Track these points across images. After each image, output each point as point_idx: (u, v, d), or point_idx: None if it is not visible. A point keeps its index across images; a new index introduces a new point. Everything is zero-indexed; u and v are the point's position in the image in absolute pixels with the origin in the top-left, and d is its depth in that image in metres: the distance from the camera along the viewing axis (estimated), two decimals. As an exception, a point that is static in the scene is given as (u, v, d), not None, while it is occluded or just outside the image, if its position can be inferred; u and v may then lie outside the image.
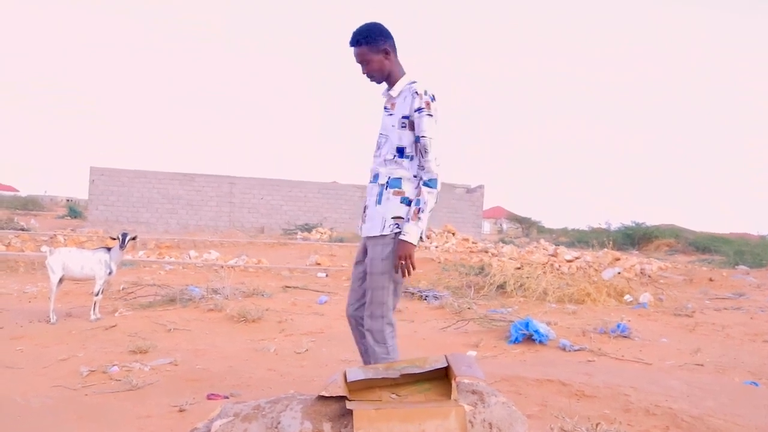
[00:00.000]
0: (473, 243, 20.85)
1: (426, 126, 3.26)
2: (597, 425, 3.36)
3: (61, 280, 6.90)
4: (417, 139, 3.30)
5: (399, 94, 3.37)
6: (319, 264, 14.70)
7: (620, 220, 33.94)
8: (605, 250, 16.78)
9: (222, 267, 12.79)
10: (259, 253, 17.32)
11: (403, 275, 3.30)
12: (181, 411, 3.97)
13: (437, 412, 2.63)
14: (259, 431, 2.70)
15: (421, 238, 3.35)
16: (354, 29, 3.35)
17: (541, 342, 6.42)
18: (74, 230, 22.40)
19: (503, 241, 25.28)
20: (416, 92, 3.27)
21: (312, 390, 4.23)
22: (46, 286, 9.30)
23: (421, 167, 3.32)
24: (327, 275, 13.12)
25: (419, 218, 3.25)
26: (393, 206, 3.34)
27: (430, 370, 2.90)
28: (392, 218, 3.33)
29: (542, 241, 23.35)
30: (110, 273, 6.99)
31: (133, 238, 7.24)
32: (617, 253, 16.10)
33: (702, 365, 5.78)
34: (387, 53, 3.36)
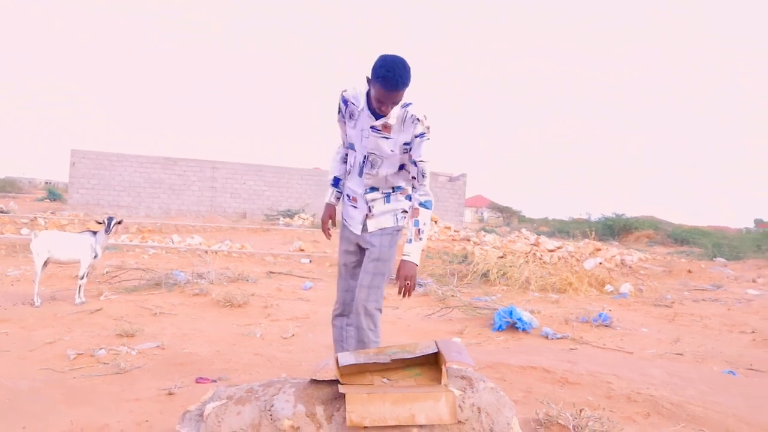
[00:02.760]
0: (455, 231, 20.94)
1: (425, 151, 3.29)
2: (581, 411, 3.43)
3: (45, 264, 6.86)
4: (414, 162, 3.33)
5: (395, 119, 3.29)
6: (302, 250, 14.71)
7: (600, 212, 34.20)
8: (587, 240, 16.94)
9: (206, 252, 12.77)
10: (242, 238, 17.30)
11: (405, 295, 3.34)
12: (170, 394, 3.99)
13: (428, 396, 2.69)
14: (253, 414, 2.74)
15: None
16: (392, 69, 3.05)
17: (524, 330, 6.51)
18: (54, 213, 22.22)
19: (485, 230, 25.40)
20: (417, 118, 3.25)
21: (300, 374, 4.28)
22: (28, 269, 9.26)
23: (416, 189, 3.39)
24: (311, 261, 13.14)
25: (420, 239, 3.31)
26: (400, 202, 3.54)
27: (420, 356, 2.96)
28: (401, 211, 3.55)
29: (524, 230, 23.50)
30: (95, 257, 6.97)
31: (119, 222, 7.20)
32: (598, 244, 16.28)
33: (681, 354, 5.91)
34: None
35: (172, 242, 14.83)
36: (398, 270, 3.32)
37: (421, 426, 2.66)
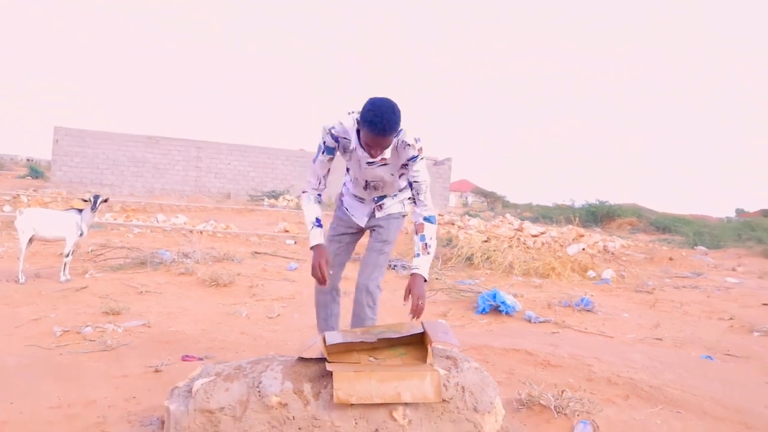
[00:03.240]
0: (439, 215, 21.01)
1: (421, 169, 3.27)
2: (562, 392, 3.50)
3: (30, 241, 6.83)
4: (411, 183, 3.33)
5: (389, 150, 3.18)
6: (287, 231, 14.71)
7: (584, 198, 34.35)
8: (570, 226, 17.04)
9: (191, 231, 12.75)
10: (227, 218, 17.27)
11: (418, 316, 3.22)
12: (156, 371, 4.03)
13: (413, 375, 2.74)
14: (241, 390, 2.78)
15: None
16: (379, 115, 2.94)
17: (507, 313, 6.58)
18: (36, 191, 22.04)
19: (469, 215, 25.48)
20: (408, 144, 3.19)
21: (286, 353, 4.32)
22: (11, 246, 9.21)
23: (417, 205, 3.35)
24: (296, 242, 13.15)
25: (428, 252, 3.28)
26: (406, 192, 3.58)
27: (407, 336, 3.01)
28: (407, 198, 3.60)
29: (508, 215, 23.59)
30: (81, 234, 6.95)
31: (105, 200, 7.19)
32: (581, 230, 16.39)
33: (661, 339, 6.01)
34: None
35: (157, 221, 14.79)
36: (409, 286, 3.22)
37: (406, 404, 2.71)
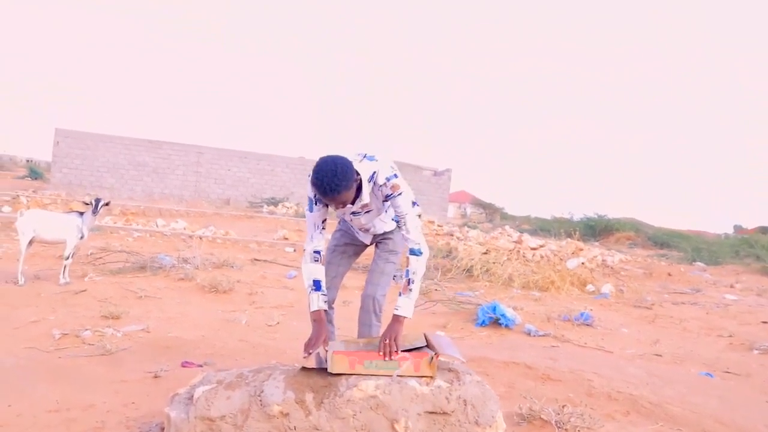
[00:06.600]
0: (438, 226, 20.99)
1: (401, 204, 3.14)
2: (563, 407, 3.50)
3: (30, 242, 6.81)
4: (396, 217, 3.29)
5: (368, 196, 3.12)
6: (286, 239, 14.69)
7: (582, 211, 34.25)
8: (568, 239, 17.03)
9: (190, 237, 12.73)
10: (226, 224, 17.24)
11: (385, 356, 3.00)
12: (155, 377, 4.02)
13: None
14: (243, 399, 2.78)
15: None
16: (320, 177, 2.86)
17: (507, 326, 6.57)
18: (36, 192, 22.01)
19: (468, 226, 25.46)
20: (380, 185, 3.11)
21: (285, 361, 4.31)
22: (10, 247, 9.18)
23: (404, 238, 3.24)
24: (295, 250, 13.13)
25: (410, 290, 3.18)
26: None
27: (409, 348, 3.03)
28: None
29: (507, 227, 23.58)
30: (81, 237, 6.93)
31: (107, 204, 7.18)
32: (580, 244, 16.37)
33: (660, 355, 6.00)
34: (356, 179, 2.99)
35: (157, 226, 14.77)
36: (389, 326, 3.13)
37: (407, 417, 2.71)
